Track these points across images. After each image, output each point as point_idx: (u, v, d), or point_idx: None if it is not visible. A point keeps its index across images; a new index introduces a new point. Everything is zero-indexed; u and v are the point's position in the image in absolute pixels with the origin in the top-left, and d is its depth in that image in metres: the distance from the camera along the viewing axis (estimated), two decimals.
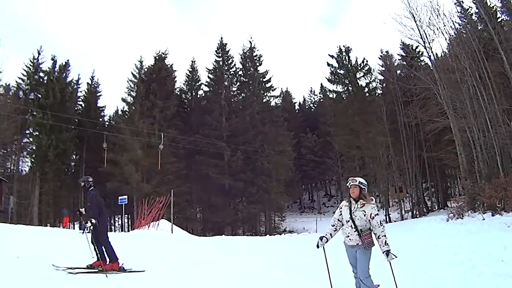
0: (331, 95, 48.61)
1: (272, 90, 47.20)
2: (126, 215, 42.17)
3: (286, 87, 72.48)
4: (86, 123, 39.23)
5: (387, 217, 38.83)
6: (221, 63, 45.90)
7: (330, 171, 51.47)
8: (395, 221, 36.87)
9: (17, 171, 41.09)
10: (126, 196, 29.27)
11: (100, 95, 48.05)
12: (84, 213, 8.67)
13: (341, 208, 5.56)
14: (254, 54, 46.50)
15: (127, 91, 43.15)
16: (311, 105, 63.67)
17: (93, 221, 7.97)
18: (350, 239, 5.39)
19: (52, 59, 42.70)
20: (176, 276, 8.24)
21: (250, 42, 47.02)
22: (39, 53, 42.88)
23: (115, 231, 43.68)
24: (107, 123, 46.61)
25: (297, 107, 63.21)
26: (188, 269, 9.39)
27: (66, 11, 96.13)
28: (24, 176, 41.63)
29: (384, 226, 5.37)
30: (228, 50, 46.59)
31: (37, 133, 39.73)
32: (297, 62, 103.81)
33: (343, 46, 45.75)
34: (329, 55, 46.26)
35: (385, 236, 5.25)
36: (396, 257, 5.29)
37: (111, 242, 8.30)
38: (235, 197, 43.19)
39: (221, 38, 47.21)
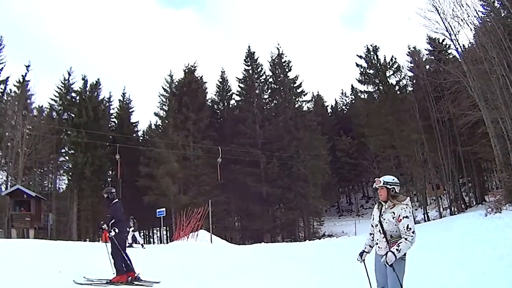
0: (362, 96, 47.69)
1: (304, 95, 47.14)
2: (164, 227, 42.68)
3: (317, 91, 71.87)
4: (120, 139, 40.04)
5: (425, 215, 38.03)
6: (250, 71, 46.10)
7: (366, 173, 50.47)
8: (433, 219, 35.82)
9: (55, 189, 42.45)
10: (164, 209, 29.56)
11: (133, 111, 49.59)
12: (106, 228, 8.34)
13: (373, 212, 4.90)
14: (283, 60, 46.45)
15: (159, 106, 44.29)
16: (343, 107, 63.07)
17: (117, 230, 8.04)
18: (379, 247, 4.67)
19: (83, 79, 44.18)
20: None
21: (278, 49, 47.00)
22: (69, 74, 44.69)
23: (153, 243, 44.48)
24: (141, 138, 47.50)
25: (329, 110, 62.66)
26: (226, 278, 9.43)
27: (93, 31, 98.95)
28: (62, 193, 42.95)
29: (413, 232, 4.39)
30: (257, 58, 46.77)
31: (73, 152, 41.08)
32: (326, 65, 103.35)
33: (371, 45, 44.97)
34: (357, 55, 45.54)
35: (406, 240, 4.36)
36: (390, 265, 4.35)
37: (128, 254, 8.28)
38: (273, 204, 43.04)
39: (249, 47, 47.47)
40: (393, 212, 4.53)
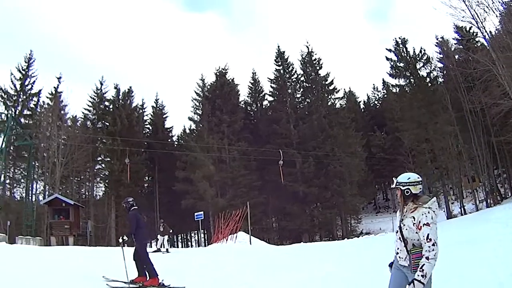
0: (394, 90, 46.84)
1: (336, 92, 46.49)
2: (202, 230, 42.91)
3: (349, 87, 70.86)
4: (155, 145, 40.46)
5: (462, 209, 37.20)
6: (281, 71, 45.87)
7: (402, 168, 49.35)
8: (470, 212, 34.91)
9: (92, 196, 43.34)
10: (202, 212, 29.73)
11: (166, 117, 50.45)
12: (127, 239, 8.70)
13: (397, 215, 4.10)
14: (313, 58, 45.96)
15: (193, 110, 44.98)
16: (376, 102, 61.94)
17: (125, 237, 8.58)
18: (400, 256, 3.85)
19: (115, 87, 45.29)
20: None
21: (307, 47, 46.47)
22: (101, 84, 45.98)
23: (191, 247, 44.81)
24: (176, 143, 47.98)
25: (362, 106, 61.72)
26: (268, 278, 9.56)
27: (123, 40, 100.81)
28: (99, 200, 43.87)
29: (433, 244, 3.50)
30: (287, 58, 46.50)
31: (109, 159, 41.80)
32: (356, 61, 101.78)
33: (399, 38, 43.87)
34: (386, 49, 44.47)
35: (428, 260, 3.48)
36: None
37: (151, 259, 8.65)
38: (310, 203, 42.67)
39: (278, 46, 47.40)
40: (413, 217, 3.70)
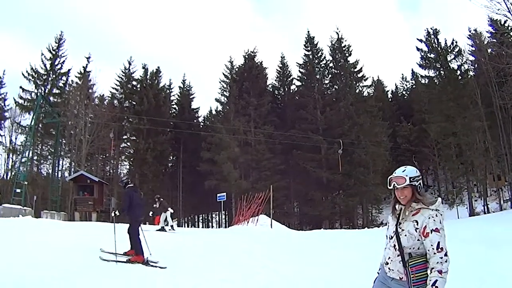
0: (423, 81, 46.04)
1: (364, 80, 46.07)
2: (224, 212, 43.25)
3: (377, 75, 69.51)
4: (181, 125, 40.75)
5: (485, 207, 36.27)
6: (310, 56, 45.50)
7: (426, 160, 48.94)
8: (493, 212, 34.22)
9: (117, 174, 44.01)
10: (225, 193, 29.78)
11: (193, 97, 51.01)
12: (118, 214, 9.07)
13: (388, 219, 3.30)
14: (343, 45, 45.44)
15: (220, 92, 45.38)
16: (404, 92, 60.89)
17: (117, 213, 8.98)
18: (389, 268, 3.07)
19: (143, 67, 46.01)
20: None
21: (337, 33, 45.94)
22: (129, 63, 46.58)
23: (212, 227, 45.23)
24: (202, 124, 48.28)
25: (389, 95, 60.70)
26: (288, 262, 9.44)
27: (151, 20, 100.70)
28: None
29: (445, 254, 2.85)
30: (317, 43, 46.07)
31: (134, 138, 42.33)
32: (386, 50, 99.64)
33: (431, 28, 42.97)
34: (417, 39, 43.64)
35: (440, 274, 2.79)
36: None
37: (140, 237, 8.87)
38: (333, 190, 42.56)
39: (308, 31, 46.82)
40: (416, 221, 2.93)
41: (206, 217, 49.32)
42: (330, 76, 46.00)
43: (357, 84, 45.62)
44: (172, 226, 17.98)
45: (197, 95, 51.64)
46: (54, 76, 42.70)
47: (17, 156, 40.27)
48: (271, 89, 47.33)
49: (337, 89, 45.04)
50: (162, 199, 18.39)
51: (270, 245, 12.91)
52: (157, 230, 15.36)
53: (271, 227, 24.42)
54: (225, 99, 44.38)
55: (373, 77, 53.64)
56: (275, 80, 48.54)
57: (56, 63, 43.04)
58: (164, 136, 41.81)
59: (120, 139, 42.84)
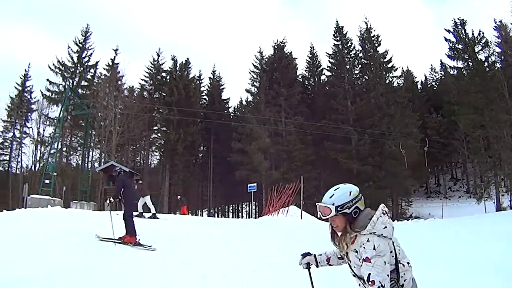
0: (452, 72, 45.10)
1: (394, 70, 45.24)
2: (254, 202, 43.03)
3: (406, 66, 68.18)
4: (212, 116, 40.73)
5: None
6: (340, 46, 44.84)
7: (456, 153, 48.05)
8: None
9: (147, 164, 44.30)
10: (255, 184, 29.56)
11: (223, 88, 51.14)
12: (112, 200, 9.79)
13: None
14: (372, 34, 44.71)
15: (250, 82, 45.18)
16: (433, 83, 59.85)
17: (111, 199, 9.70)
18: None
19: (172, 59, 46.53)
20: None
21: (366, 23, 45.23)
22: (158, 55, 47.02)
23: (242, 218, 45.07)
24: (232, 114, 48.30)
25: (419, 86, 59.60)
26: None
27: (179, 11, 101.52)
28: (154, 169, 44.89)
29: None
30: (346, 33, 45.41)
31: (165, 129, 42.49)
32: (415, 39, 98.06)
33: (458, 19, 41.95)
34: (445, 29, 42.72)
35: None
36: None
37: (134, 220, 9.60)
38: (363, 182, 41.73)
39: (337, 21, 46.21)
40: (356, 251, 2.49)
41: (236, 208, 49.42)
42: (360, 66, 45.35)
43: (387, 75, 44.80)
44: (154, 213, 16.75)
45: (227, 85, 52.01)
46: (81, 68, 43.40)
47: (45, 147, 41.03)
48: (301, 79, 46.89)
49: (367, 80, 44.38)
50: (141, 181, 17.46)
51: (300, 236, 12.62)
52: (136, 216, 14.04)
53: (301, 218, 24.11)
54: (255, 89, 44.30)
55: (402, 68, 52.96)
56: (305, 70, 48.17)
57: (83, 55, 43.82)
58: (194, 127, 41.98)
59: (151, 130, 43.06)
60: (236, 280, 6.99)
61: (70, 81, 42.15)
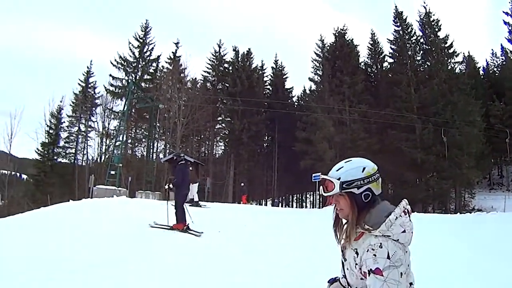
0: None
1: (455, 56, 43.65)
2: (319, 192, 42.62)
3: (467, 51, 65.69)
4: (275, 105, 40.64)
5: None
6: (400, 32, 43.73)
7: None
8: None
9: (212, 154, 44.73)
10: (320, 173, 28.89)
11: (286, 77, 51.24)
12: (172, 187, 10.25)
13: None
14: (431, 19, 43.28)
15: (313, 71, 44.92)
16: (495, 69, 57.67)
17: (171, 186, 10.24)
18: None
19: (234, 49, 47.15)
20: None
21: (424, 7, 43.79)
22: (219, 47, 47.48)
23: (306, 207, 44.79)
24: (296, 103, 48.20)
25: (481, 72, 57.52)
26: None
27: (240, 3, 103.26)
28: (218, 159, 45.44)
29: None
30: (405, 18, 44.20)
31: (229, 119, 42.84)
32: (475, 23, 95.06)
33: None
34: (503, 12, 41.03)
35: None
36: None
37: (185, 209, 10.18)
38: (427, 172, 40.78)
39: (396, 6, 44.96)
40: (356, 251, 1.94)
41: (300, 197, 49.46)
42: (421, 52, 43.98)
43: (449, 61, 43.31)
44: (197, 201, 17.33)
45: (290, 74, 52.16)
46: (143, 63, 44.95)
47: (111, 140, 41.88)
48: (363, 67, 46.11)
49: (429, 66, 43.01)
50: (191, 168, 15.75)
51: None
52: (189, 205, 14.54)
53: None
54: (319, 78, 44.02)
55: (463, 53, 51.10)
56: (367, 57, 47.32)
57: (144, 50, 45.29)
58: (259, 117, 42.40)
59: (215, 120, 43.48)
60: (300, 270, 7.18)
61: (133, 75, 43.62)
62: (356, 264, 1.91)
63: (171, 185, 10.26)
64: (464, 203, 42.57)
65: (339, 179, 1.97)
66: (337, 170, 2.02)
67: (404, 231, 1.86)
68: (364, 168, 2.02)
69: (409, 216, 1.97)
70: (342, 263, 2.10)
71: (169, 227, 9.91)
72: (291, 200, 49.55)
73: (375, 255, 1.79)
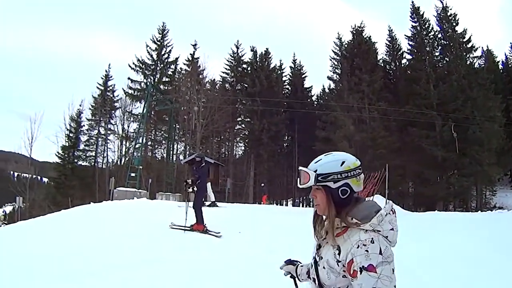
0: None
1: (474, 51, 43.10)
2: None
3: (486, 45, 64.38)
4: (295, 105, 40.55)
5: None
6: (418, 28, 43.16)
7: None
8: None
9: (232, 155, 44.79)
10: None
11: (305, 76, 51.06)
12: (190, 183, 10.44)
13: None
14: (449, 13, 42.75)
15: (331, 69, 44.87)
16: None
17: (189, 181, 10.52)
18: None
19: (252, 50, 47.11)
20: None
21: (441, 2, 43.19)
22: (237, 47, 47.83)
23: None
24: (315, 102, 48.13)
25: (500, 66, 56.65)
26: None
27: (256, 4, 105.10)
28: (238, 159, 45.51)
29: None
30: (423, 14, 43.68)
31: (249, 119, 42.89)
32: (492, 16, 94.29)
33: None
34: None
35: None
36: None
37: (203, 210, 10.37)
38: (448, 169, 40.26)
39: (412, 2, 44.25)
40: (338, 248, 1.80)
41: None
42: (439, 47, 43.43)
43: (467, 55, 42.71)
44: (214, 201, 17.24)
45: (308, 74, 51.84)
46: (162, 65, 45.39)
47: (130, 142, 42.07)
48: (382, 64, 45.62)
49: (448, 61, 42.39)
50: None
51: None
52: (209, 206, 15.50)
53: None
54: (337, 76, 43.86)
55: (482, 47, 50.33)
56: (385, 54, 46.83)
57: (162, 53, 45.63)
58: (278, 116, 42.39)
59: (235, 121, 43.51)
60: None
61: (152, 78, 43.94)
62: (339, 261, 1.78)
63: (189, 181, 10.56)
64: (485, 200, 42.00)
65: (315, 171, 1.88)
66: (315, 163, 1.93)
67: (392, 229, 1.78)
68: (343, 162, 1.89)
69: (395, 215, 1.86)
70: (316, 262, 1.95)
71: (189, 228, 10.12)
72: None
73: (367, 250, 1.68)
